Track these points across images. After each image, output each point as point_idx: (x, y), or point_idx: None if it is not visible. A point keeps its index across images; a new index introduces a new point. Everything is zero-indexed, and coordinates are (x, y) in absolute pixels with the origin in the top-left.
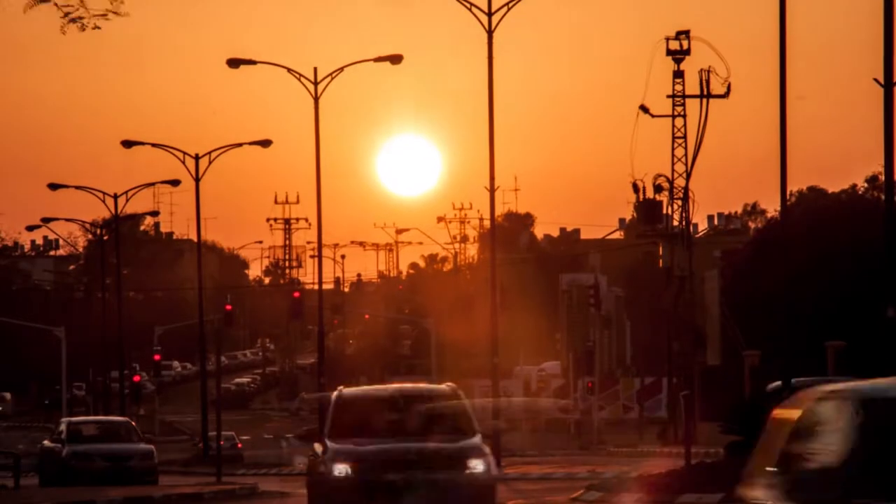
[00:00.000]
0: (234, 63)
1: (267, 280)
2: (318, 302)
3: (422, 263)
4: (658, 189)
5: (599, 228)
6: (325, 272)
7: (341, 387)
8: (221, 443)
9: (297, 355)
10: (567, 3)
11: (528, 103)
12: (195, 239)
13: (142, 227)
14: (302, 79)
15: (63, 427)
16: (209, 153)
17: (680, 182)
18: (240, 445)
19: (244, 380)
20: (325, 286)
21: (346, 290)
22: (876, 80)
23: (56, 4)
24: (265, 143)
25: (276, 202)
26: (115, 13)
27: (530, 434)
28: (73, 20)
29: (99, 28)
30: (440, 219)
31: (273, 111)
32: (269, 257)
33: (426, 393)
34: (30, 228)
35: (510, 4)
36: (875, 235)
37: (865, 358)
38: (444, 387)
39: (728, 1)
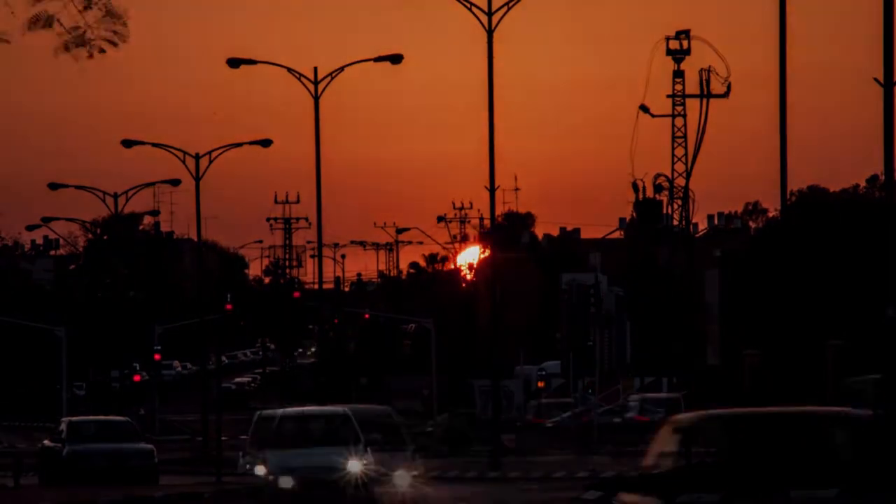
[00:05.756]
0: (234, 63)
1: (267, 280)
2: (318, 302)
3: (422, 263)
4: (658, 189)
5: (599, 228)
6: (325, 272)
7: None
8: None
9: (297, 355)
10: (567, 2)
11: (529, 103)
12: (195, 238)
13: (142, 227)
14: (302, 79)
15: (63, 426)
16: (209, 153)
17: (680, 182)
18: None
19: (244, 379)
20: (325, 286)
21: (347, 289)
22: (876, 79)
23: (61, 23)
24: (265, 143)
25: (276, 202)
26: (118, 34)
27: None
28: (78, 45)
29: (104, 52)
30: (440, 218)
31: (273, 111)
32: (269, 257)
33: None
34: (30, 228)
35: (510, 4)
36: (875, 235)
37: (865, 358)
38: None
39: (728, 1)
